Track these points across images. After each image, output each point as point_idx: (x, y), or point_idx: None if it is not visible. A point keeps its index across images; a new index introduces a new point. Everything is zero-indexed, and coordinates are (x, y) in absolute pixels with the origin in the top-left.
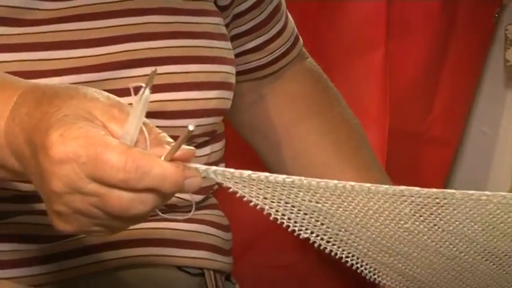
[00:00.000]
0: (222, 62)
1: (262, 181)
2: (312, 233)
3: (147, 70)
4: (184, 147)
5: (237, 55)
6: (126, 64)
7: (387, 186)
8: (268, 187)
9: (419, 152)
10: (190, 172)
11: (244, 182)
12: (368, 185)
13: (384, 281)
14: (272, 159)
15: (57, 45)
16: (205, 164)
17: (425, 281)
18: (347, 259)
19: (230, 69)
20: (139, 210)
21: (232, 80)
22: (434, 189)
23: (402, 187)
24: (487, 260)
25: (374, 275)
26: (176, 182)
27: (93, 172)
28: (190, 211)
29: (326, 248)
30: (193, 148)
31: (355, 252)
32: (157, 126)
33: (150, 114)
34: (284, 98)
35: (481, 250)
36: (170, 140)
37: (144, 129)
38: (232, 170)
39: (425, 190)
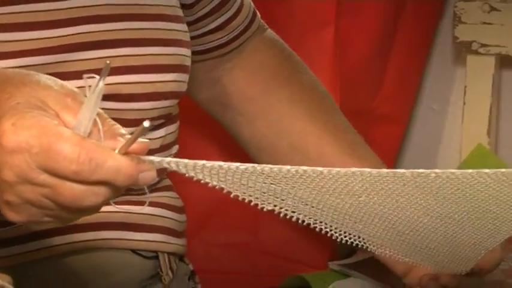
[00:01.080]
0: (178, 45)
1: (215, 169)
2: (274, 206)
3: (101, 53)
4: (139, 140)
5: (199, 36)
6: (80, 46)
7: (339, 169)
8: (223, 174)
9: (370, 130)
10: (145, 166)
11: (199, 170)
12: (320, 168)
13: (356, 241)
14: (246, 134)
15: (9, 28)
16: (161, 145)
17: (395, 240)
18: (315, 225)
19: (186, 51)
20: (92, 202)
21: (188, 62)
22: (385, 170)
23: (354, 169)
24: (445, 223)
25: (345, 237)
26: (130, 176)
27: (46, 163)
28: (144, 193)
29: (292, 217)
30: (147, 141)
31: (321, 219)
32: (112, 109)
33: (104, 97)
34: (250, 70)
35: (437, 215)
36: (124, 131)
37: (98, 120)
38: (186, 160)
39: (376, 171)
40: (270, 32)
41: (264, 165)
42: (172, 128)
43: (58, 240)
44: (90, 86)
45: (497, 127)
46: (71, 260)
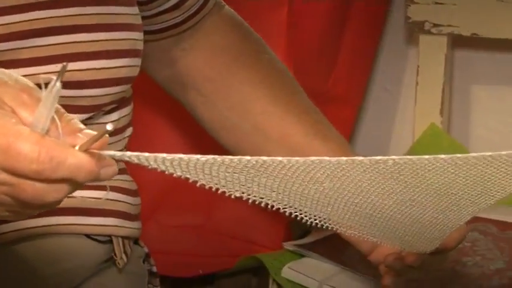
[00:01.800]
0: (129, 29)
1: (176, 160)
2: (243, 192)
3: (52, 39)
4: (98, 135)
5: (154, 15)
6: (31, 34)
7: (298, 158)
8: (184, 165)
9: (323, 111)
10: (105, 161)
11: (160, 163)
12: (280, 158)
13: (326, 224)
14: (207, 115)
15: None
16: (114, 129)
17: (363, 222)
18: (285, 209)
19: (138, 35)
20: (53, 198)
21: (140, 46)
22: (344, 158)
23: (313, 158)
24: (410, 205)
25: (315, 220)
26: (91, 172)
27: (5, 163)
28: None
29: (261, 202)
30: (107, 136)
31: (289, 204)
32: (64, 96)
33: None
34: (210, 50)
35: (401, 199)
36: (82, 126)
37: (55, 117)
38: (146, 154)
39: (335, 159)
40: (228, 10)
41: (224, 156)
42: (126, 111)
43: (10, 227)
44: (46, 85)
45: (450, 107)
46: (23, 247)
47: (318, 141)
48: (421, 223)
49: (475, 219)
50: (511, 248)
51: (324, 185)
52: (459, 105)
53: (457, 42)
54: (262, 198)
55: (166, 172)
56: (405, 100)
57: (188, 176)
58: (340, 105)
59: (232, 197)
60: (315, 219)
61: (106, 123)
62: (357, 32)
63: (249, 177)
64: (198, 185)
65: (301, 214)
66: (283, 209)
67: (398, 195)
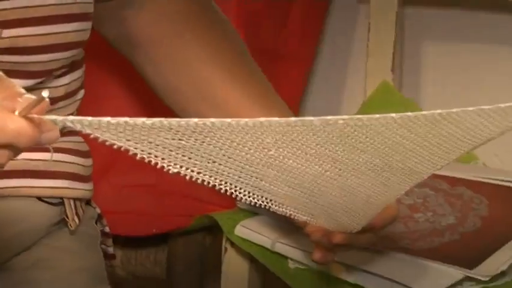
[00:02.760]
0: None
1: (121, 125)
2: (181, 167)
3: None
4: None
5: None
6: None
7: (247, 119)
8: (129, 130)
9: (275, 69)
10: (47, 126)
11: (104, 128)
12: (229, 120)
13: (259, 202)
14: (154, 77)
15: None
16: (65, 93)
17: (297, 198)
18: (220, 186)
19: None
20: None
21: (91, 9)
22: (293, 118)
23: (262, 119)
24: (352, 175)
25: (249, 197)
26: (32, 137)
27: None
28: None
29: (198, 179)
30: (47, 100)
31: (227, 180)
32: (12, 62)
33: (4, 51)
34: (157, 11)
35: (344, 168)
36: (22, 91)
37: None
38: (90, 118)
39: (284, 120)
40: None
41: (172, 119)
42: (77, 74)
43: None
44: None
45: (401, 64)
46: None
47: (262, 109)
48: (355, 197)
49: None
50: (462, 204)
51: (270, 153)
52: (410, 62)
53: None
54: (199, 173)
55: (108, 143)
56: (356, 57)
57: (130, 148)
58: (291, 63)
59: (171, 172)
60: (249, 196)
61: (57, 87)
62: None
63: (194, 145)
64: (137, 157)
65: (236, 191)
66: (218, 185)
67: (342, 165)
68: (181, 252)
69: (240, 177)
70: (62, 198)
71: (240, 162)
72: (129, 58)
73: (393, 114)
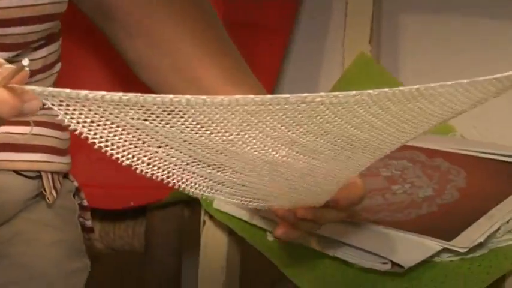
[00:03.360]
0: None
1: (97, 100)
2: (128, 154)
3: None
4: (17, 69)
5: None
6: None
7: (223, 96)
8: (100, 107)
9: (253, 42)
10: (28, 96)
11: (77, 103)
12: (204, 97)
13: (203, 192)
14: (128, 50)
15: None
16: (42, 66)
17: (249, 185)
18: (168, 180)
19: None
20: None
21: None
22: (268, 96)
23: (237, 96)
24: (309, 156)
25: (196, 189)
26: (13, 107)
27: None
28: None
29: (142, 171)
30: (27, 69)
31: (173, 170)
32: None
33: None
34: None
35: (303, 150)
36: (1, 61)
37: None
38: (68, 90)
39: (260, 97)
40: None
41: (148, 95)
42: (54, 47)
43: None
44: None
45: (379, 36)
46: None
47: (233, 87)
48: (312, 175)
49: (404, 148)
50: (440, 176)
51: (230, 137)
52: (388, 34)
53: None
54: (148, 164)
55: (78, 131)
56: (334, 29)
57: (84, 129)
58: (270, 35)
59: (119, 161)
60: (196, 188)
61: (35, 59)
62: None
63: (156, 127)
64: (89, 141)
65: (183, 183)
66: (166, 179)
67: (300, 147)
68: (160, 225)
69: (188, 164)
70: (39, 171)
71: (194, 146)
72: (104, 30)
73: (370, 91)
